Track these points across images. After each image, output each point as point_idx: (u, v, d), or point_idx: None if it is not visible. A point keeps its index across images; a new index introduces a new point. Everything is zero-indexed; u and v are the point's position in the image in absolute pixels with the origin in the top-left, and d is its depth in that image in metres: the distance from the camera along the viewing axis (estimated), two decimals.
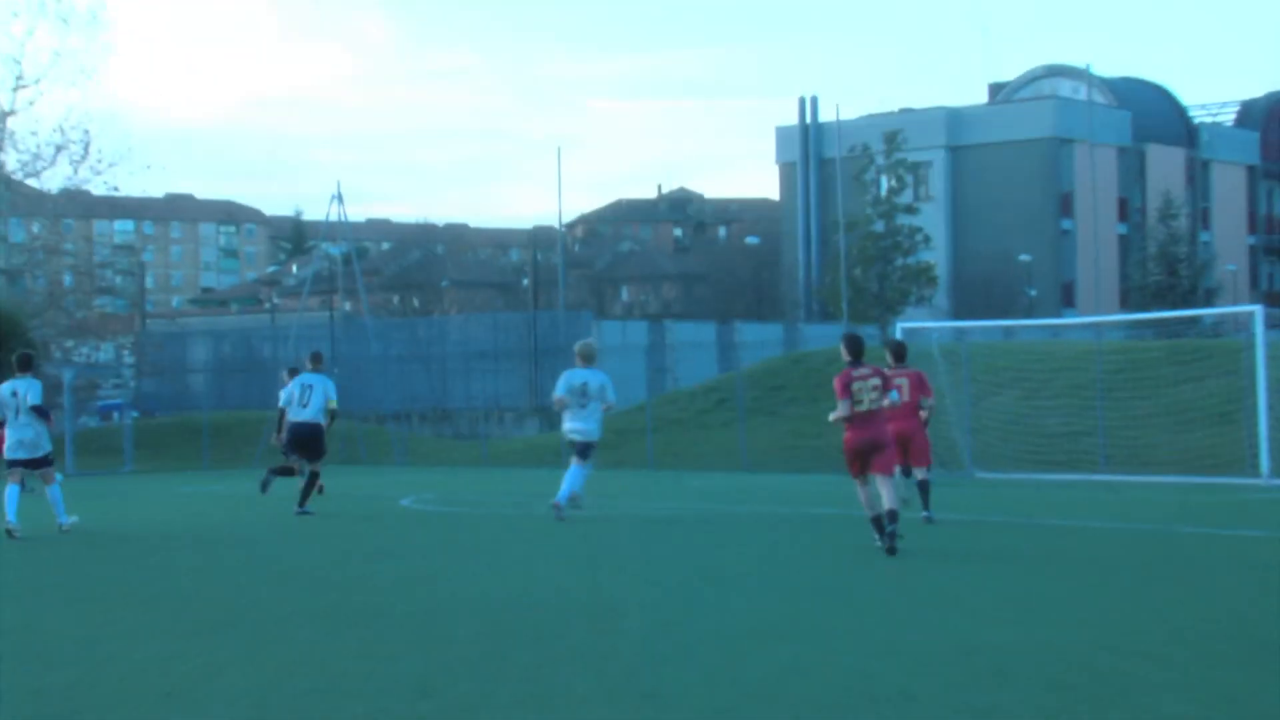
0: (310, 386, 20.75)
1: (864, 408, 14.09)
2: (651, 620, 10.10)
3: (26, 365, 17.71)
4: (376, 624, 10.16)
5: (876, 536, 14.09)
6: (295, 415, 20.74)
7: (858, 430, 14.14)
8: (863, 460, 14.20)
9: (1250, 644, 8.90)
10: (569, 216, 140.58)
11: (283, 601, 11.39)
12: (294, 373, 23.14)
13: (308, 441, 20.73)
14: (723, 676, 8.16)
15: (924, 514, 17.10)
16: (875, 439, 14.18)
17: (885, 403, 14.33)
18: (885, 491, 14.12)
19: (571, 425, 18.89)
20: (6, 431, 17.77)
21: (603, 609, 10.64)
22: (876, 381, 14.24)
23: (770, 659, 8.62)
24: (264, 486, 22.53)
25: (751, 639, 9.31)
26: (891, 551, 13.77)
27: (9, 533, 17.28)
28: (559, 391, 18.89)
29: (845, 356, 14.38)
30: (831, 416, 14.27)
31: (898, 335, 30.53)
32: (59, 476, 18.47)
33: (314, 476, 20.74)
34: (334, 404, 21.00)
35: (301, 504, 20.31)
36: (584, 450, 18.82)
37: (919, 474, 17.50)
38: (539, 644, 9.25)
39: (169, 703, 7.81)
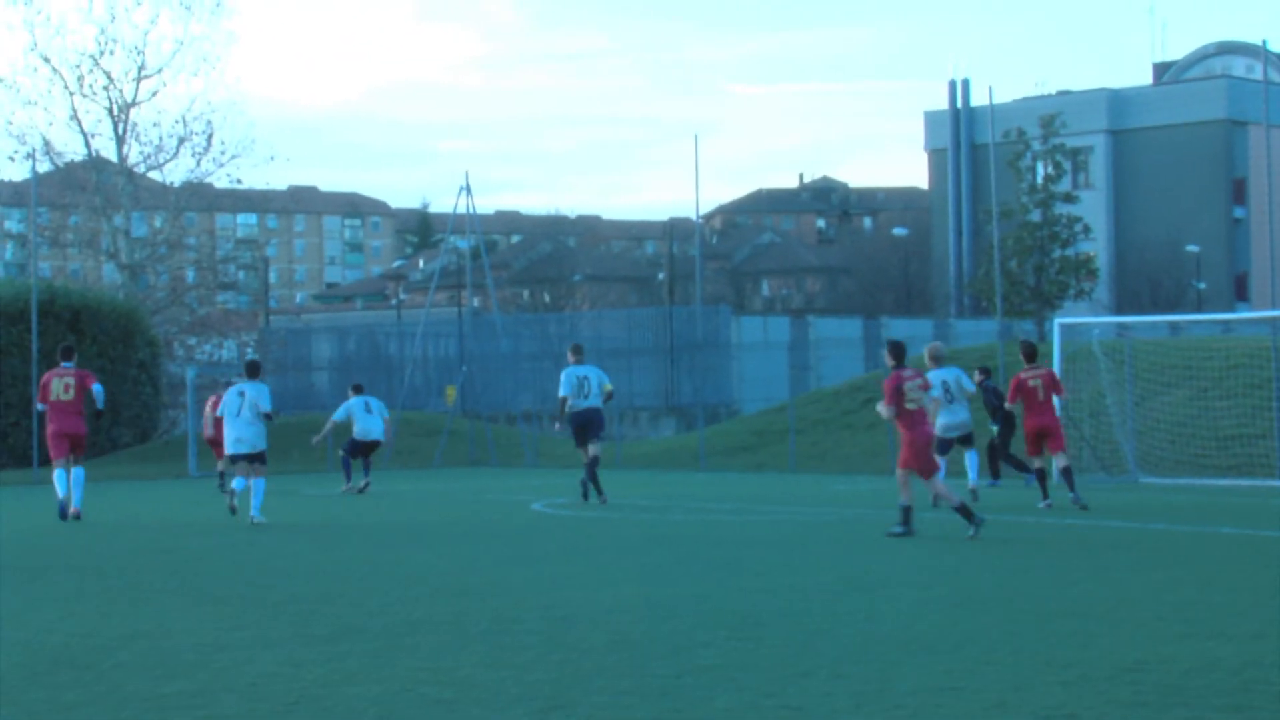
0: (368, 404, 27.54)
1: (914, 407, 16.25)
2: (795, 630, 10.07)
3: (255, 371, 20.82)
4: (506, 632, 10.24)
5: (900, 526, 16.31)
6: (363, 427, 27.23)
7: (918, 427, 16.29)
8: (932, 455, 16.40)
9: None
10: (706, 207, 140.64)
11: (410, 607, 11.52)
12: (358, 389, 26.75)
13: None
14: (871, 691, 8.11)
15: (1071, 497, 20.06)
16: (930, 436, 16.51)
17: (927, 402, 16.67)
18: (940, 486, 16.43)
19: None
20: (226, 429, 20.67)
21: (743, 618, 10.63)
22: (919, 382, 16.52)
23: (921, 673, 8.55)
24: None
25: (901, 651, 9.24)
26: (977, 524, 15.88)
27: (231, 509, 20.80)
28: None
29: (889, 361, 16.62)
30: (884, 415, 16.45)
31: (1055, 331, 30.15)
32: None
33: None
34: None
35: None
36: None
37: (1060, 460, 20.44)
38: (676, 655, 9.27)
39: (294, 712, 7.93)
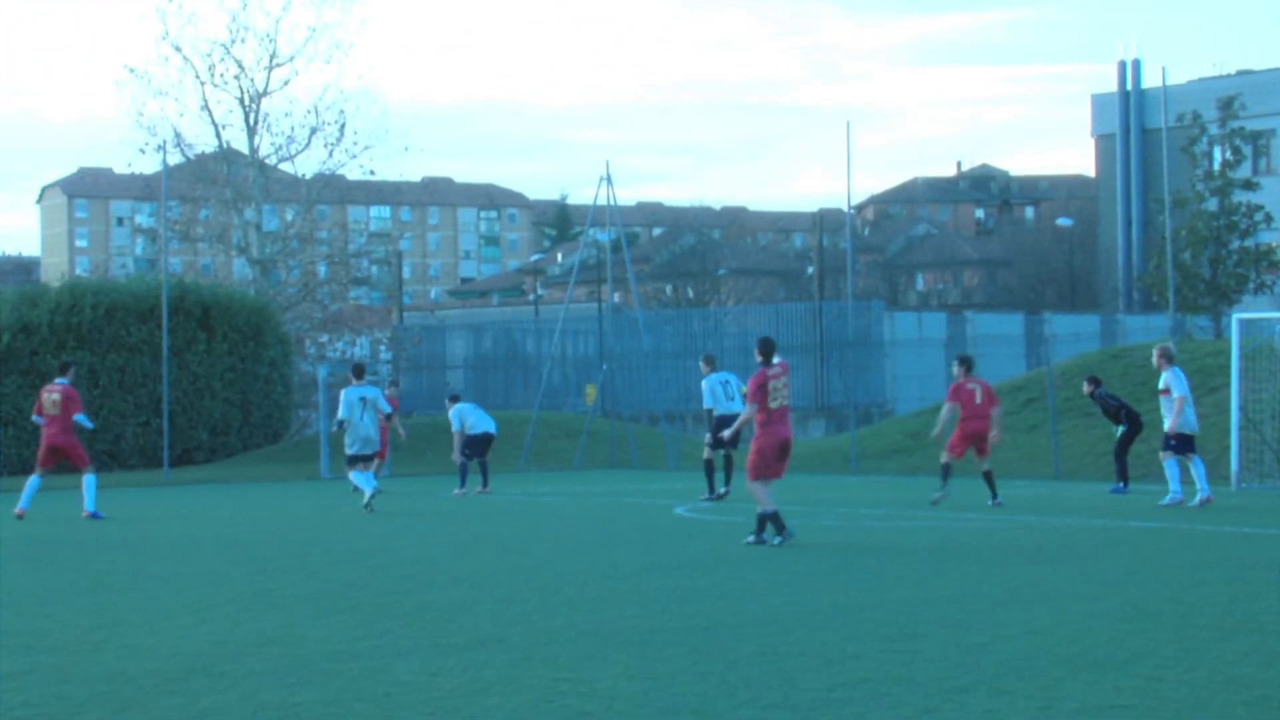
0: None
1: (777, 404, 16.45)
2: (952, 643, 10.00)
3: (361, 373, 23.94)
4: (649, 642, 10.28)
5: (776, 533, 16.51)
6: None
7: (775, 428, 16.44)
8: (780, 459, 16.54)
9: None
10: (858, 197, 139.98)
11: (548, 616, 11.60)
12: (454, 400, 27.53)
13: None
14: (1034, 709, 8.03)
15: (992, 501, 22.13)
16: (790, 437, 16.65)
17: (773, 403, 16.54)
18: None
19: None
20: (353, 430, 23.07)
21: (897, 629, 10.58)
22: (786, 379, 16.64)
23: (1087, 690, 8.45)
24: None
25: (1065, 666, 9.14)
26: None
27: (367, 506, 22.35)
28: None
29: (759, 358, 16.72)
30: (745, 415, 16.86)
31: (1233, 327, 29.58)
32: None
33: None
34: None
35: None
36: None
37: (984, 464, 22.80)
38: (827, 667, 9.25)
39: None
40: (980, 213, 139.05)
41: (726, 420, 23.36)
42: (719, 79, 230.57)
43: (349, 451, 23.57)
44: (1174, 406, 22.39)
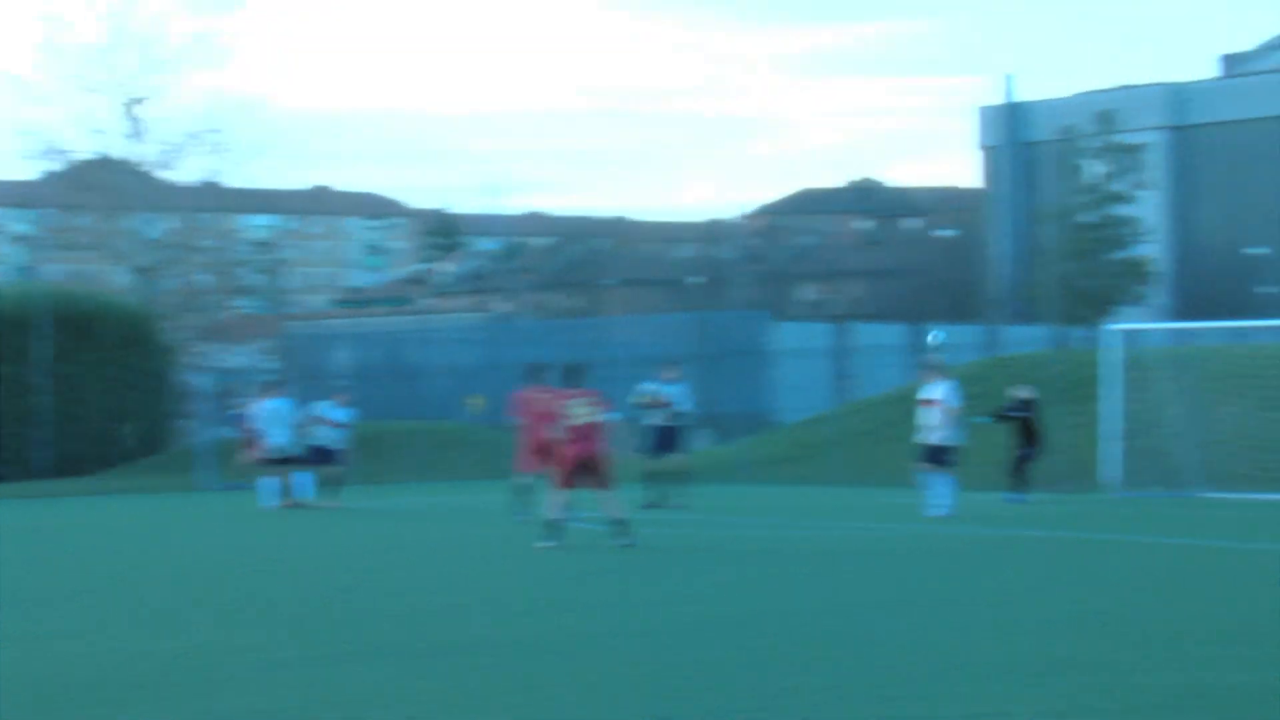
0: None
1: (577, 423, 17.63)
2: (844, 649, 10.06)
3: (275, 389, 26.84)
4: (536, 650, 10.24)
5: (546, 537, 17.54)
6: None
7: (576, 445, 17.66)
8: (579, 473, 17.70)
9: None
10: (746, 207, 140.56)
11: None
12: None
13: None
14: (917, 716, 8.10)
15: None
16: (590, 453, 17.73)
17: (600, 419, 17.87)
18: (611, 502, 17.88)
19: None
20: (276, 437, 25.62)
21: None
22: (592, 401, 17.86)
23: (1033, 695, 8.53)
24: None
25: (993, 673, 9.23)
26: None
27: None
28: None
29: (558, 383, 18.59)
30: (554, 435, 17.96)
31: (1110, 338, 30.02)
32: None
33: None
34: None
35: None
36: None
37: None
38: (707, 675, 9.27)
39: None
40: (866, 224, 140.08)
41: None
42: (608, 87, 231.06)
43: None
44: (943, 419, 22.34)
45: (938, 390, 22.49)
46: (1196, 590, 13.48)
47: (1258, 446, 28.96)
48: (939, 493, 22.07)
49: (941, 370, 22.99)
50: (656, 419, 25.16)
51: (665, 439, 25.26)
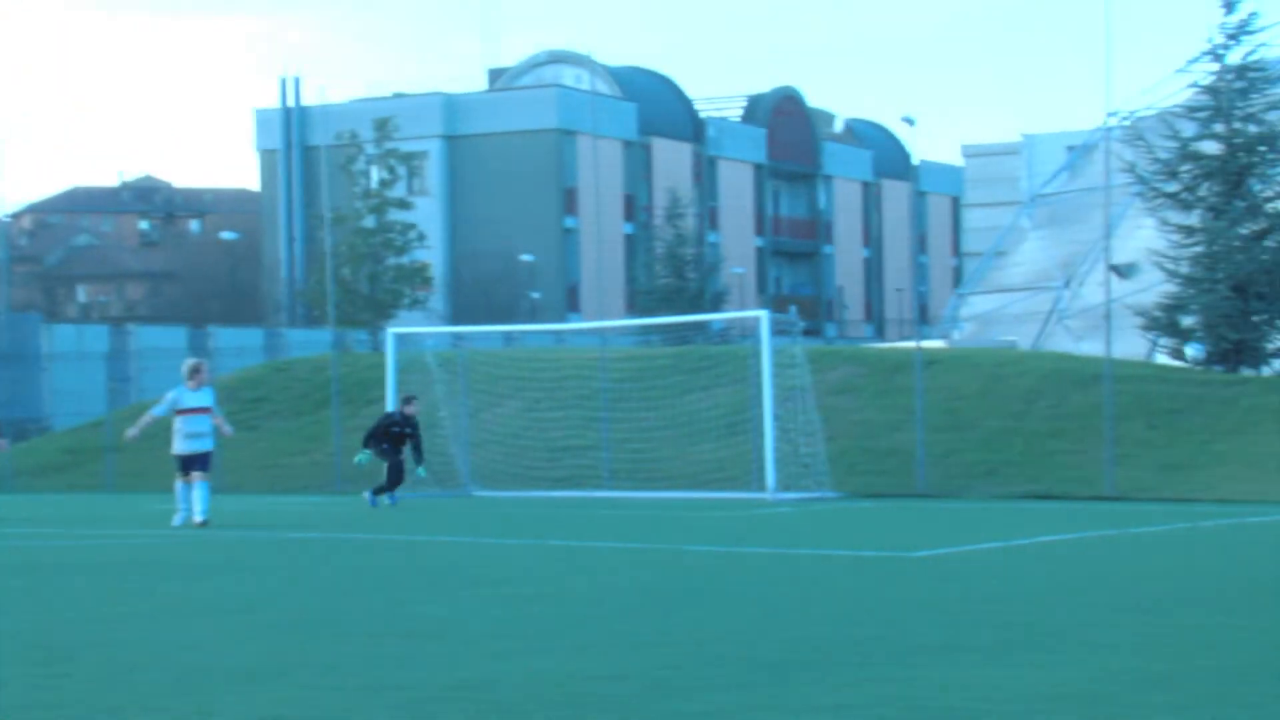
0: None
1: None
2: (107, 663, 9.75)
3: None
4: None
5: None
6: None
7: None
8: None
9: (750, 665, 9.34)
10: (13, 206, 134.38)
11: None
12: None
13: None
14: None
15: None
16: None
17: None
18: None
19: None
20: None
21: (49, 652, 10.20)
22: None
23: (244, 703, 8.46)
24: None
25: (224, 681, 9.12)
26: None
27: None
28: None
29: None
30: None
31: (388, 341, 30.60)
32: None
33: None
34: None
35: None
36: None
37: None
38: None
39: None
40: (145, 224, 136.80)
41: None
42: None
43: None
44: (210, 426, 21.62)
45: (206, 396, 21.58)
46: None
47: (526, 447, 30.24)
48: (201, 499, 21.11)
49: (205, 375, 21.88)
50: None
51: None
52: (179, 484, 21.22)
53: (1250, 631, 10.42)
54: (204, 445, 21.36)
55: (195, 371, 21.51)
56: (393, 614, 12.02)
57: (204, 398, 21.47)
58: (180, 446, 21.21)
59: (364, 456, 26.19)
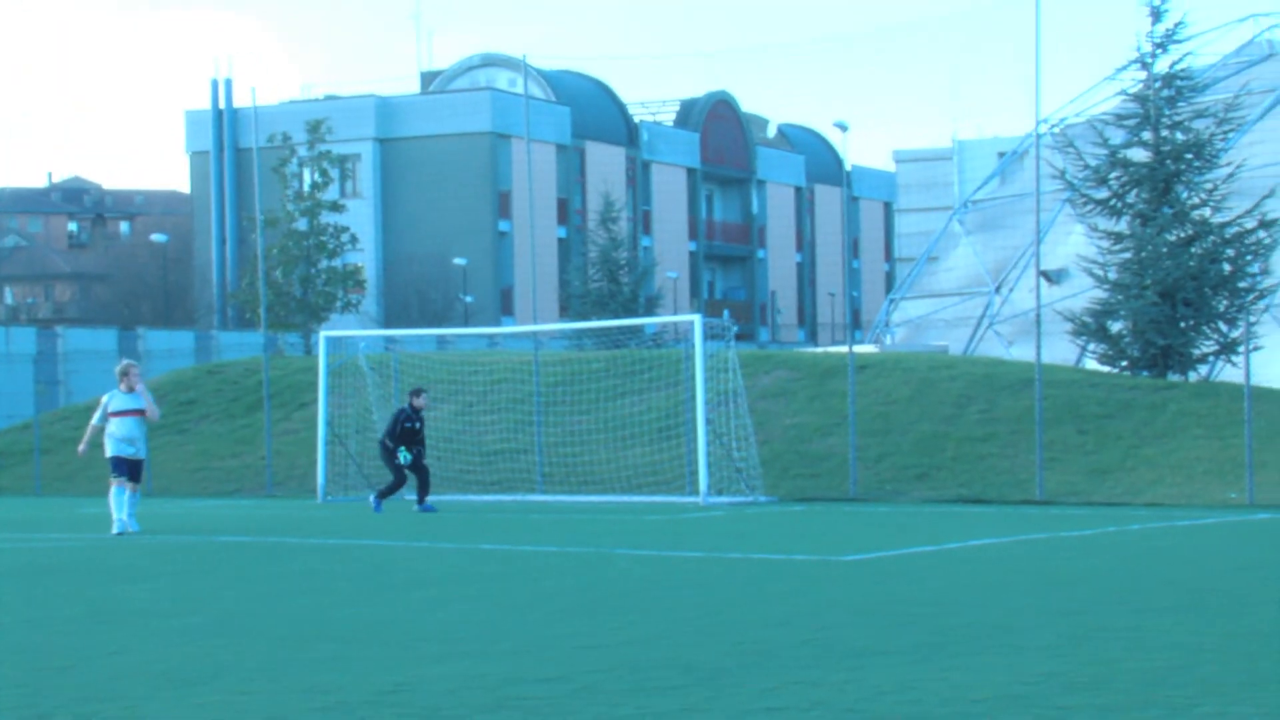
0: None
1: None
2: (33, 669, 9.66)
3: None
4: None
5: None
6: None
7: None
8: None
9: (683, 668, 9.36)
10: None
11: None
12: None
13: None
14: None
15: None
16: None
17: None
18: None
19: None
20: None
21: None
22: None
23: (174, 707, 8.41)
24: None
25: (151, 685, 9.05)
26: None
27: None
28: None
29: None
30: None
31: (321, 344, 30.46)
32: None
33: None
34: None
35: None
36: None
37: None
38: None
39: None
40: (74, 225, 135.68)
41: None
42: None
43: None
44: (143, 430, 21.16)
45: (139, 399, 20.96)
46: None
47: (459, 451, 30.18)
48: (133, 503, 20.72)
49: (137, 377, 21.15)
50: None
51: None
52: (114, 489, 20.66)
53: (1177, 633, 10.52)
54: (137, 451, 20.90)
55: (125, 373, 21.08)
56: (324, 617, 11.97)
57: (137, 400, 20.95)
58: (113, 449, 20.79)
59: (405, 456, 25.26)
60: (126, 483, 20.62)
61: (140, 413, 20.97)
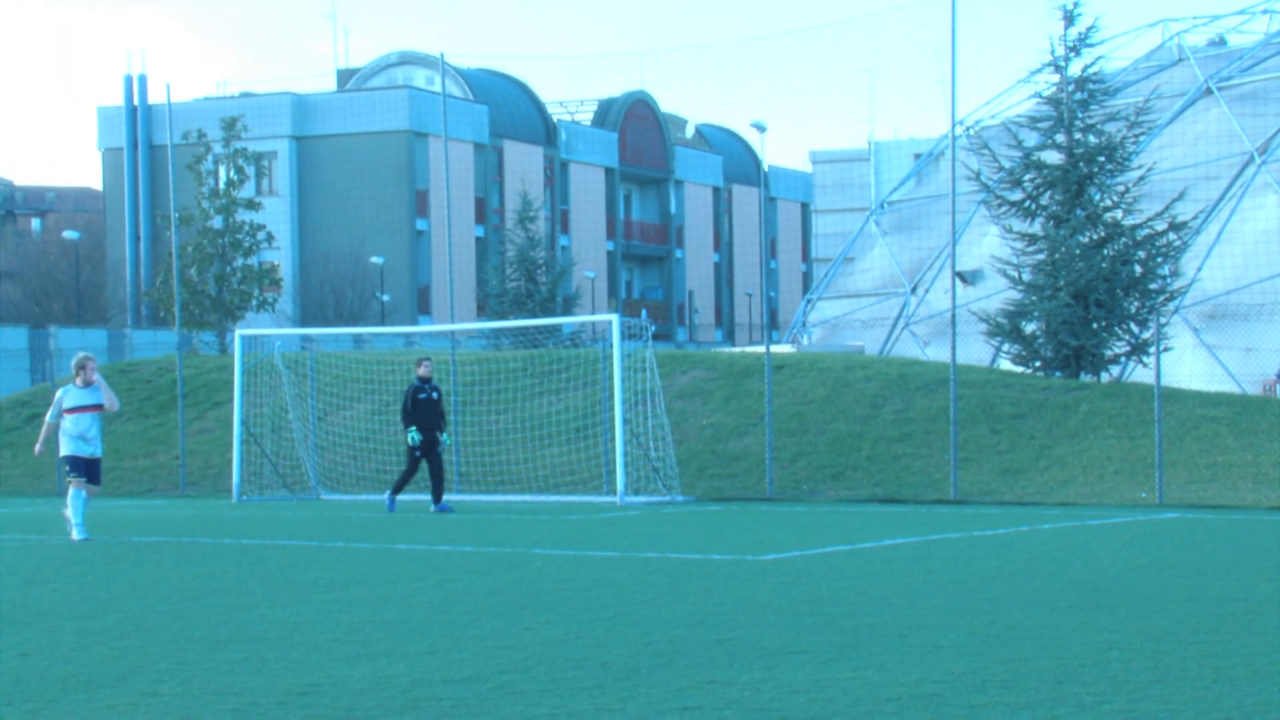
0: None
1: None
2: None
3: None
4: None
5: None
6: None
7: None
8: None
9: (599, 668, 9.37)
10: None
11: None
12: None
13: None
14: None
15: None
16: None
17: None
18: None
19: None
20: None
21: None
22: None
23: (81, 710, 8.33)
24: None
25: (58, 688, 8.96)
26: None
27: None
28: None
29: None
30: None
31: (236, 343, 30.26)
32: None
33: None
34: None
35: None
36: None
37: None
38: None
39: None
40: None
41: None
42: None
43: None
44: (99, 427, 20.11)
45: (95, 394, 19.75)
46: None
47: (375, 450, 30.05)
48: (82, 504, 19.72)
49: (93, 371, 19.85)
50: None
51: None
52: (71, 491, 19.60)
53: (1086, 631, 10.63)
54: (94, 450, 19.77)
55: (80, 367, 19.82)
56: (236, 619, 11.89)
57: (94, 394, 19.78)
58: (68, 447, 19.69)
59: (415, 436, 24.60)
60: (85, 485, 19.60)
61: (98, 408, 19.78)
